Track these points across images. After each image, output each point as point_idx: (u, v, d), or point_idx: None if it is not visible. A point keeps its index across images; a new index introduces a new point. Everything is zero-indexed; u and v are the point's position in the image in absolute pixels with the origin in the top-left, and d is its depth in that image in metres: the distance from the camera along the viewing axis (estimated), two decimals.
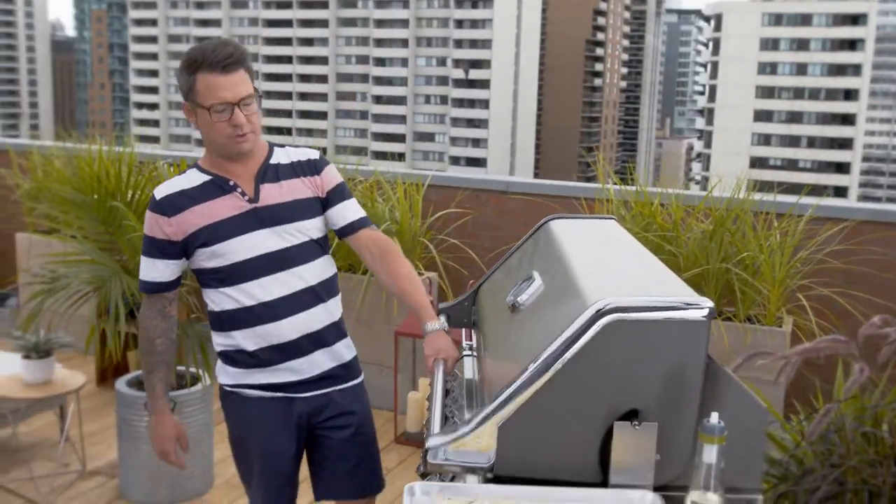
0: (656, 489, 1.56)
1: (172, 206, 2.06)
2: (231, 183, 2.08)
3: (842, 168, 64.81)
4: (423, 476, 1.82)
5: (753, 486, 1.65)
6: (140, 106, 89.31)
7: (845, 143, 64.63)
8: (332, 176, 2.19)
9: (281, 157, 2.16)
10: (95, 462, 3.72)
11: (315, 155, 2.20)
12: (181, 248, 2.09)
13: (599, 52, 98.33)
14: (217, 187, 2.08)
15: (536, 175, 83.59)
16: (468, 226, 4.80)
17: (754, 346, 3.47)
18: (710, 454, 1.47)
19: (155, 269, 2.12)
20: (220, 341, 2.17)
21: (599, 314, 1.52)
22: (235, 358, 2.14)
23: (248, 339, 2.11)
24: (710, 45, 70.93)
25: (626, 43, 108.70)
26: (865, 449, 1.91)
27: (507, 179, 4.89)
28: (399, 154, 74.52)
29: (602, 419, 1.56)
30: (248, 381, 2.15)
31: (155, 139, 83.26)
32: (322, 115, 77.26)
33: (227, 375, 2.18)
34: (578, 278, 1.73)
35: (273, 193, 2.10)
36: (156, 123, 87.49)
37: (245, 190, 2.08)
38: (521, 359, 1.61)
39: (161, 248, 2.09)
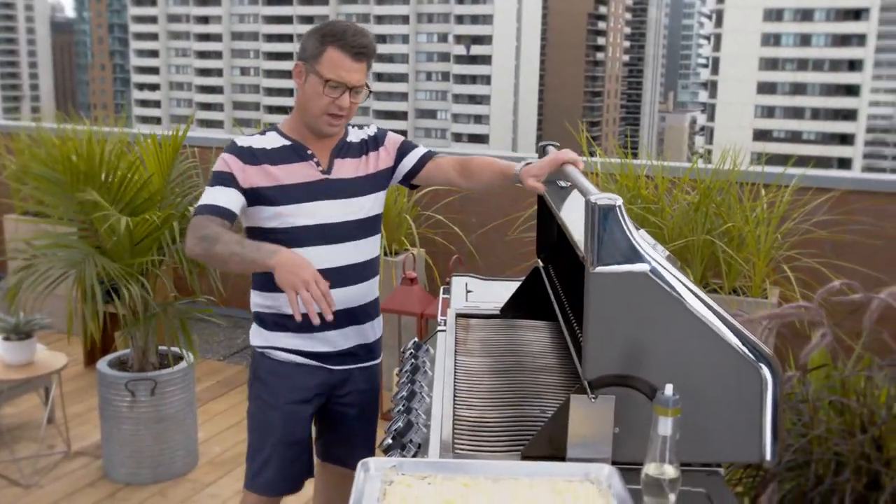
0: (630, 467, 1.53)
1: (251, 156, 2.13)
2: (309, 151, 2.17)
3: (846, 139, 64.36)
4: (386, 452, 1.81)
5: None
6: (141, 87, 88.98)
7: (849, 115, 64.11)
8: (394, 139, 2.34)
9: (353, 136, 2.27)
10: (80, 443, 3.72)
11: (374, 129, 2.33)
12: (244, 192, 2.12)
13: (602, 25, 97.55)
14: (294, 153, 2.17)
15: None
16: (455, 202, 4.77)
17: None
18: (664, 426, 1.44)
19: (223, 196, 2.09)
20: (260, 301, 2.23)
21: None
22: (272, 320, 2.22)
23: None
24: (713, 16, 70.26)
25: (628, 16, 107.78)
26: (833, 418, 1.89)
27: (494, 154, 4.84)
28: (402, 132, 74.15)
29: None
30: (282, 344, 2.22)
31: (156, 120, 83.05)
32: None
33: (261, 337, 2.25)
34: None
35: (344, 168, 2.21)
36: (157, 104, 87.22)
37: (321, 161, 2.18)
38: None
39: (230, 181, 2.10)
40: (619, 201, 1.51)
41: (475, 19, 75.69)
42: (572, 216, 1.94)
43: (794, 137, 64.24)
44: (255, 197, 2.13)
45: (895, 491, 1.72)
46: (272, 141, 2.18)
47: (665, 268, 1.52)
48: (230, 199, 2.10)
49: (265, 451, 2.27)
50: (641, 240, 1.53)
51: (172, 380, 3.35)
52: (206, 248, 2.00)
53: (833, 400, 1.89)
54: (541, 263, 2.48)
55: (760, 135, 63.39)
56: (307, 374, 2.23)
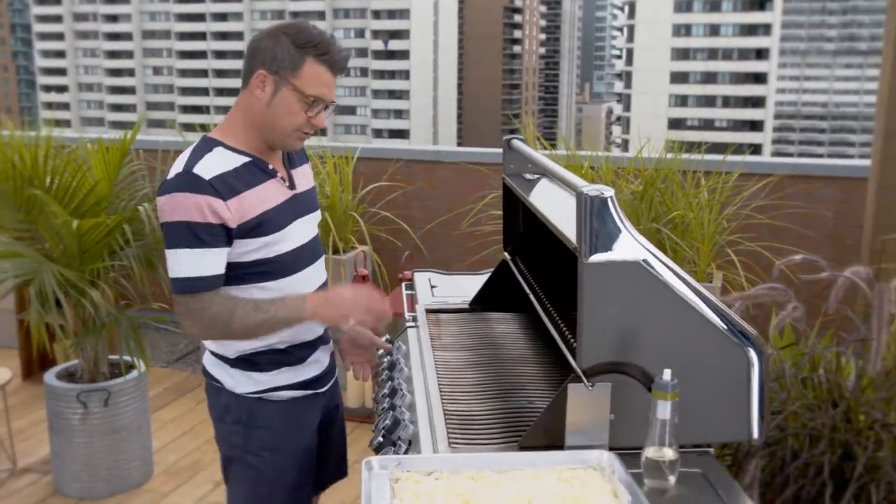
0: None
1: (227, 187, 1.79)
2: (271, 167, 1.91)
3: (755, 126, 66.63)
4: (377, 450, 1.81)
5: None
6: (48, 89, 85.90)
7: (758, 102, 66.40)
8: None
9: None
10: (27, 459, 3.60)
11: None
12: (233, 236, 1.82)
13: (518, 18, 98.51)
14: (260, 170, 1.88)
15: (460, 144, 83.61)
16: (399, 198, 4.77)
17: None
18: (663, 410, 1.49)
19: (208, 261, 1.79)
20: (247, 346, 1.92)
21: None
22: (268, 360, 1.94)
23: (283, 337, 1.93)
24: (626, 8, 71.76)
25: (543, 9, 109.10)
26: (804, 394, 1.97)
27: (436, 149, 4.87)
28: (321, 129, 73.43)
29: None
30: (281, 382, 1.97)
31: (65, 123, 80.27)
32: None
33: (254, 382, 1.95)
34: None
35: (302, 179, 2.02)
36: (66, 107, 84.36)
37: (283, 175, 1.94)
38: None
39: (215, 235, 1.78)
40: (610, 192, 1.54)
41: (392, 14, 75.51)
42: (550, 207, 1.97)
43: (707, 125, 66.15)
44: (244, 230, 1.84)
45: (868, 461, 1.81)
46: (228, 159, 1.84)
47: (655, 256, 1.56)
48: (216, 262, 1.81)
49: None
50: (632, 229, 1.57)
51: (126, 389, 3.27)
52: (222, 332, 1.85)
53: (805, 376, 1.97)
54: (508, 256, 2.51)
55: (675, 123, 65.10)
56: (310, 407, 2.02)
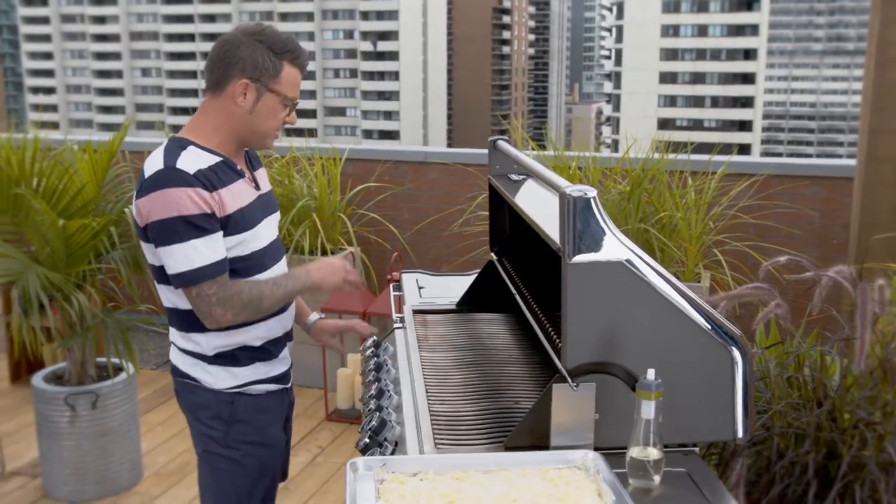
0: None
1: (209, 180, 1.85)
2: (239, 167, 1.98)
3: (744, 126, 66.86)
4: (364, 451, 1.81)
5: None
6: (35, 91, 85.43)
7: (747, 102, 66.64)
8: None
9: None
10: (15, 462, 3.58)
11: None
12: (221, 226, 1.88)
13: (506, 19, 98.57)
14: (231, 170, 1.95)
15: (450, 145, 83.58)
16: (388, 199, 4.77)
17: None
18: (647, 410, 1.49)
19: (215, 247, 1.85)
20: (226, 342, 1.98)
21: None
22: (247, 355, 2.02)
23: (258, 334, 2.01)
24: (614, 9, 71.91)
25: (532, 10, 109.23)
26: (789, 393, 1.98)
27: (424, 150, 4.88)
28: (310, 130, 73.42)
29: None
30: (258, 376, 2.04)
31: (53, 125, 79.83)
32: None
33: (232, 376, 2.01)
34: None
35: (263, 180, 2.11)
36: (54, 108, 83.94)
37: (249, 176, 2.03)
38: None
39: (211, 223, 1.84)
40: (593, 193, 1.55)
41: (381, 15, 75.42)
42: (534, 208, 1.97)
43: (696, 125, 66.32)
44: (221, 227, 1.89)
45: (852, 460, 1.82)
46: (203, 158, 1.89)
47: (639, 256, 1.57)
48: (220, 247, 1.87)
49: (256, 498, 2.07)
50: (615, 229, 1.57)
51: (114, 391, 3.26)
52: (254, 311, 1.92)
53: (790, 376, 1.99)
54: (494, 257, 2.51)
55: (664, 123, 65.25)
56: (280, 401, 2.10)
